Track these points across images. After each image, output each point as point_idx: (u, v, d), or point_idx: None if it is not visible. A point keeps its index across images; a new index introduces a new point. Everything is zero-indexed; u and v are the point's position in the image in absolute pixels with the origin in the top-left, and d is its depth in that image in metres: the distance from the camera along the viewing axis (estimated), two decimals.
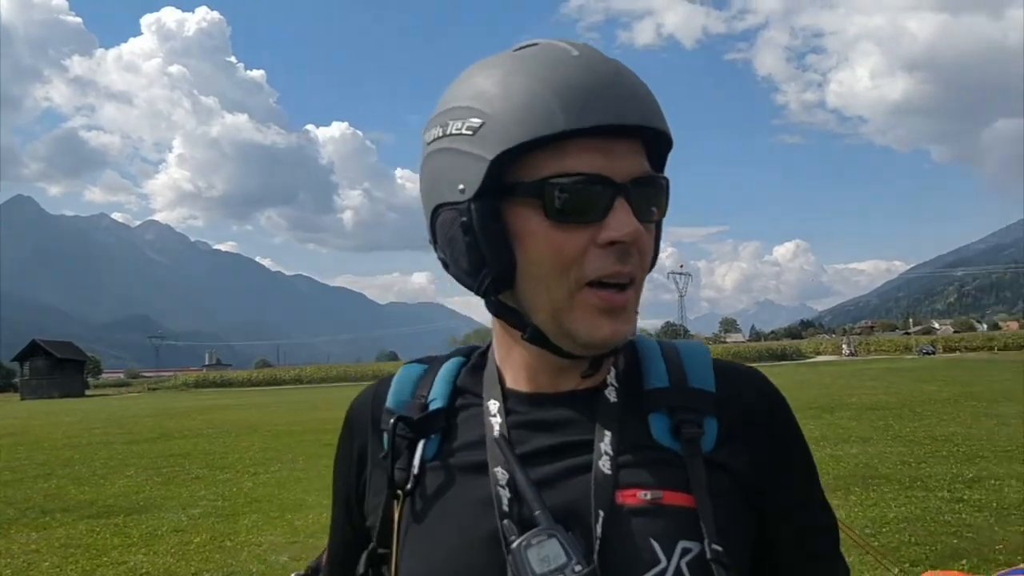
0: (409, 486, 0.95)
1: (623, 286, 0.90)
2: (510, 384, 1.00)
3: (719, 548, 0.86)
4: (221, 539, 8.70)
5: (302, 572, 1.19)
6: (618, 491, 0.89)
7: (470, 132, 0.88)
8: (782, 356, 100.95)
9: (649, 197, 0.91)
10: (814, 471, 1.03)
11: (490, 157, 0.86)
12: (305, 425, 22.77)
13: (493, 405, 0.98)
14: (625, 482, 0.90)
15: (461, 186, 0.89)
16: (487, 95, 0.89)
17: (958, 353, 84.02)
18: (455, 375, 1.05)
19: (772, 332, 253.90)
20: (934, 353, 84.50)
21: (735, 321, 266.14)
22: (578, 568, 0.82)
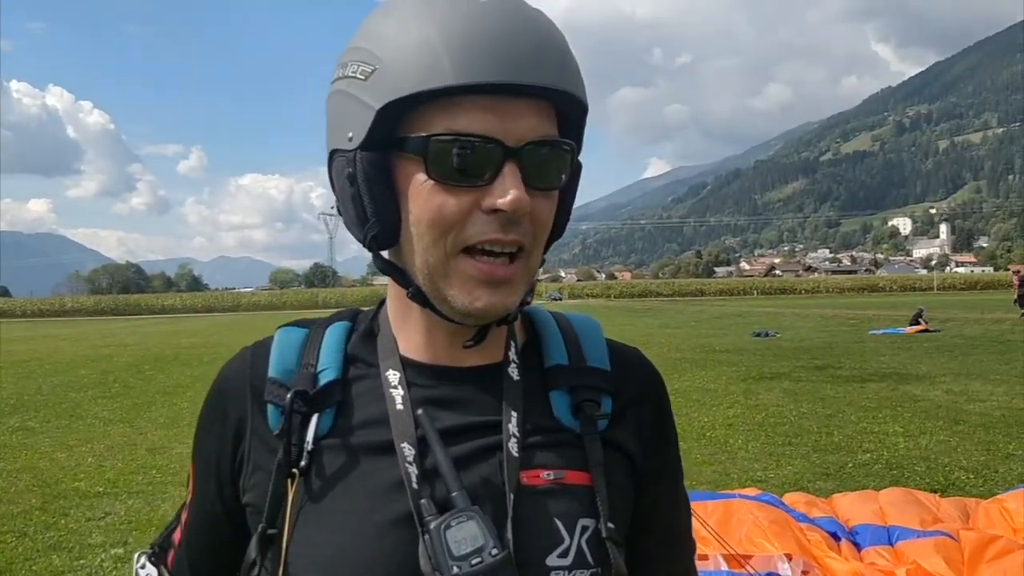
0: (303, 464, 0.89)
1: (511, 255, 0.86)
2: (406, 352, 0.96)
3: (612, 526, 0.89)
4: None
5: (148, 550, 1.05)
6: (523, 471, 0.89)
7: (363, 77, 0.84)
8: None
9: (546, 163, 0.86)
10: (679, 447, 1.08)
11: (377, 106, 0.83)
12: None
13: (393, 376, 0.93)
14: (530, 463, 0.90)
15: (350, 134, 0.86)
16: (384, 38, 0.84)
17: (580, 300, 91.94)
18: (344, 342, 0.98)
19: None
20: (561, 299, 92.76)
21: None
22: (495, 551, 0.81)
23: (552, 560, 0.87)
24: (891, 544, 4.24)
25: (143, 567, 1.02)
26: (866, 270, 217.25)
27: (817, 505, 5.61)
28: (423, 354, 0.95)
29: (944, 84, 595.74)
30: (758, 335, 24.82)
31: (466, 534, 0.81)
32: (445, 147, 0.82)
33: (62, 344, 30.39)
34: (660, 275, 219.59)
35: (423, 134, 0.83)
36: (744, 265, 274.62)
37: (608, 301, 79.14)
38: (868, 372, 15.02)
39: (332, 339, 0.97)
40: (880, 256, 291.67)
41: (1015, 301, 30.61)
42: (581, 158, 0.93)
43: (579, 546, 0.87)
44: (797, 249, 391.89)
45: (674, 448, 1.07)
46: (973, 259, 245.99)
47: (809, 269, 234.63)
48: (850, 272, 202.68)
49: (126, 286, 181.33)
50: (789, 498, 5.78)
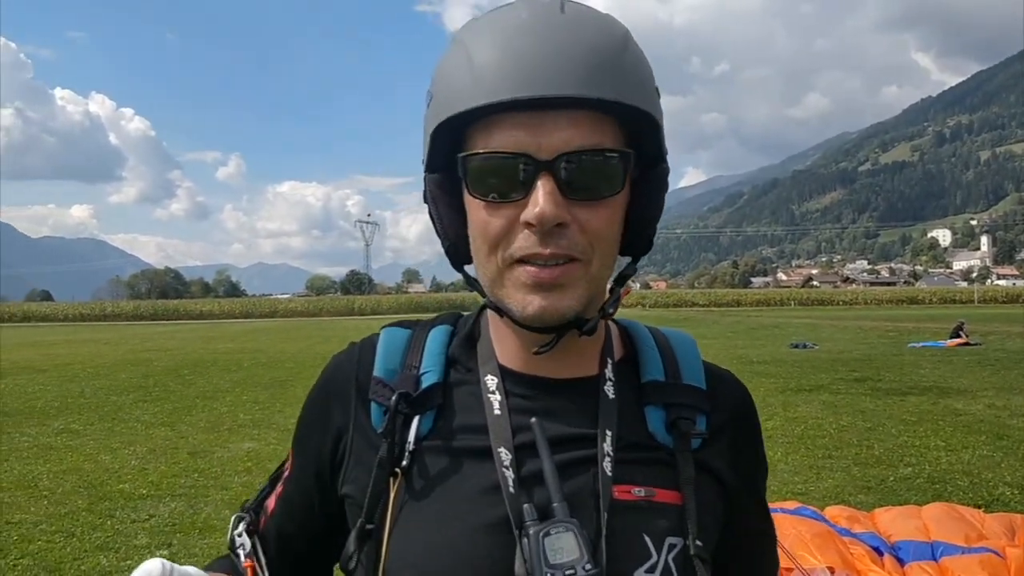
0: (405, 464, 0.93)
1: (560, 262, 0.87)
2: (504, 361, 0.99)
3: (700, 544, 0.91)
4: None
5: (244, 516, 1.10)
6: (614, 486, 0.91)
7: (427, 107, 0.90)
8: (461, 307, 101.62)
9: (587, 173, 0.85)
10: (767, 472, 1.10)
11: (431, 130, 0.88)
12: None
13: (491, 381, 0.96)
14: (621, 478, 0.92)
15: (423, 158, 0.93)
16: (439, 68, 0.90)
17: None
18: (446, 345, 1.02)
19: (452, 284, 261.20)
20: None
21: (418, 272, 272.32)
22: (588, 567, 0.82)
23: (640, 574, 0.88)
24: (935, 560, 4.20)
25: (240, 535, 1.07)
26: (905, 282, 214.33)
27: (859, 520, 5.57)
28: (518, 363, 0.98)
29: (986, 94, 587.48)
30: (796, 346, 24.61)
31: (564, 544, 0.83)
32: (478, 166, 0.86)
33: (103, 348, 30.80)
34: (696, 285, 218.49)
35: (465, 154, 0.87)
36: (781, 275, 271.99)
37: (643, 311, 78.71)
38: (908, 385, 14.84)
39: (434, 342, 1.01)
40: (919, 268, 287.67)
41: None
42: None
43: (666, 563, 0.89)
44: (835, 260, 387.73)
45: (764, 472, 1.09)
46: (1015, 272, 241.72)
47: (847, 280, 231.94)
48: (889, 284, 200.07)
49: (165, 291, 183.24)
50: (830, 512, 5.74)
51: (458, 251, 0.95)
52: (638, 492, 0.92)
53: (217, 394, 15.32)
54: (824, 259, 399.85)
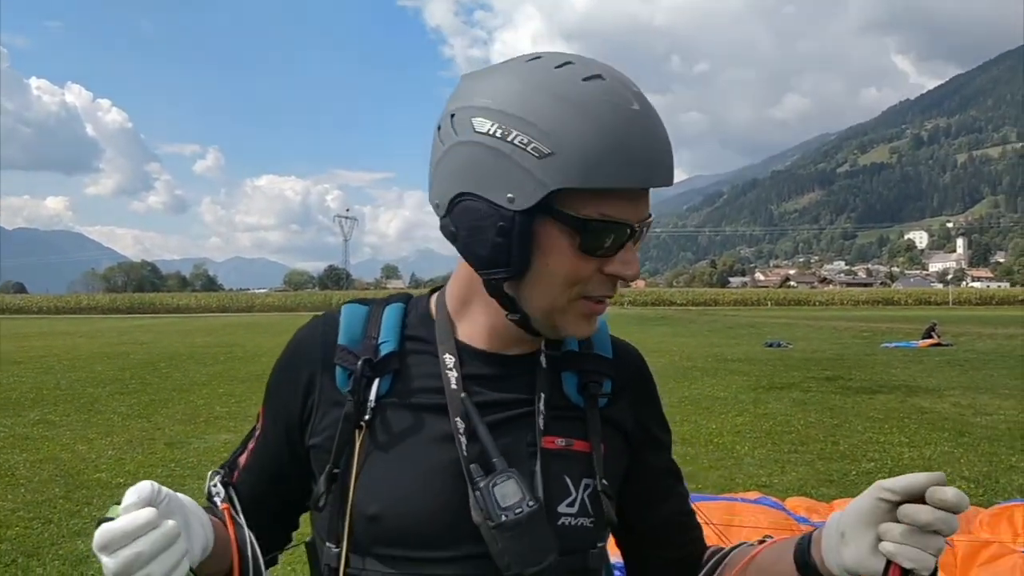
0: (367, 417, 1.10)
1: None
2: (463, 338, 1.17)
3: (606, 483, 1.14)
4: None
5: (219, 471, 1.24)
6: (543, 438, 1.12)
7: (536, 155, 0.99)
8: None
9: (643, 234, 1.09)
10: (666, 422, 1.33)
11: (552, 187, 0.99)
12: None
13: (449, 359, 1.14)
14: (548, 431, 1.13)
15: (511, 195, 1.01)
16: (558, 125, 0.99)
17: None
18: (401, 320, 1.20)
19: (431, 280, 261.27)
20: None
21: (396, 268, 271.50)
22: (531, 503, 1.04)
23: (563, 508, 1.11)
24: None
25: (215, 485, 1.21)
26: (881, 283, 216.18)
27: (818, 511, 5.76)
28: (479, 342, 1.18)
29: (963, 98, 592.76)
30: (770, 345, 24.88)
31: (508, 491, 1.04)
32: (599, 228, 1.03)
33: (79, 341, 30.70)
34: (674, 284, 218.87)
35: (576, 214, 1.02)
36: (759, 275, 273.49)
37: (621, 309, 79.05)
38: (878, 384, 15.11)
39: (390, 317, 1.20)
40: (896, 269, 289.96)
41: None
42: None
43: (582, 499, 1.12)
44: (812, 261, 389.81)
45: (664, 426, 1.32)
46: (989, 274, 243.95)
47: (824, 281, 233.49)
48: (865, 285, 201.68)
49: (141, 285, 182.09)
50: (790, 503, 5.93)
51: (514, 276, 1.07)
52: (560, 443, 1.13)
53: (193, 387, 15.38)
54: (802, 259, 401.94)
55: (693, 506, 1.35)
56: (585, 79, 1.02)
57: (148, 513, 0.88)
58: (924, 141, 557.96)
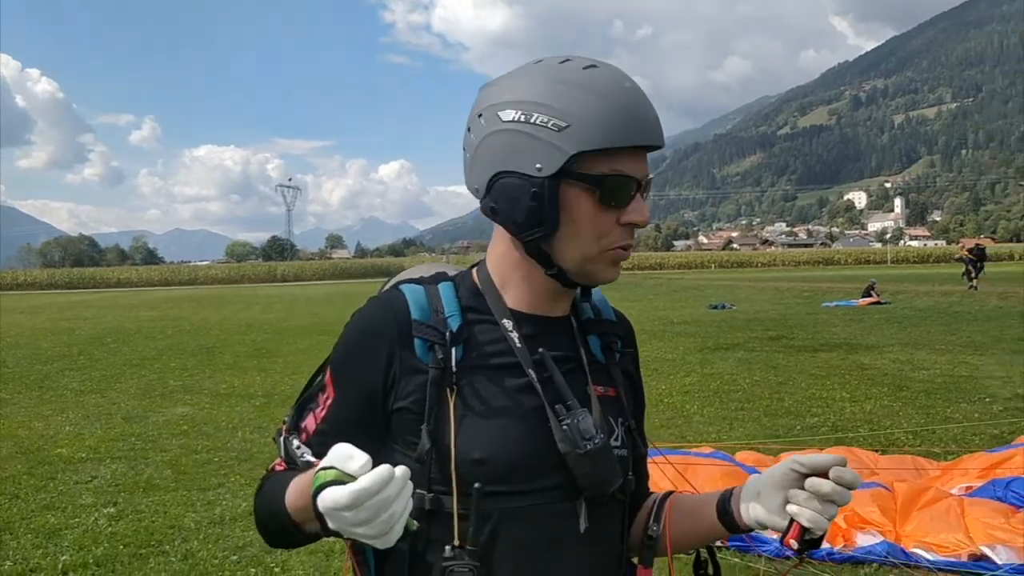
0: (454, 380, 1.27)
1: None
2: (513, 305, 1.36)
3: (632, 422, 1.40)
4: None
5: (296, 435, 1.38)
6: (593, 386, 1.35)
7: (556, 129, 1.21)
8: (386, 273, 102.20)
9: (648, 189, 1.30)
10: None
11: (572, 152, 1.21)
12: None
13: (508, 323, 1.34)
14: (593, 382, 1.35)
15: (539, 165, 1.23)
16: (570, 104, 1.22)
17: None
18: (456, 295, 1.37)
19: (377, 249, 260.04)
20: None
21: (341, 237, 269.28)
22: (602, 435, 1.27)
23: (613, 442, 1.33)
24: None
25: (297, 448, 1.34)
26: (822, 243, 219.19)
27: (765, 463, 6.05)
28: (525, 307, 1.37)
29: (900, 59, 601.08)
30: (715, 307, 25.37)
31: (587, 426, 1.26)
32: (616, 182, 1.24)
33: (19, 317, 30.17)
34: None
35: (596, 172, 1.23)
36: (702, 239, 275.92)
37: None
38: (820, 342, 15.59)
39: (447, 294, 1.37)
40: (835, 230, 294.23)
41: (963, 274, 31.44)
42: None
43: (621, 436, 1.35)
44: (754, 223, 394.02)
45: (639, 370, 1.56)
46: (926, 233, 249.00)
47: (766, 243, 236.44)
48: (806, 246, 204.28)
49: (79, 259, 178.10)
50: (740, 456, 6.22)
51: (550, 235, 1.28)
52: (601, 390, 1.36)
53: (144, 361, 15.35)
54: (744, 222, 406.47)
55: (653, 459, 1.61)
56: (585, 68, 1.25)
57: (387, 468, 1.04)
58: (862, 102, 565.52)
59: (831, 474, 1.21)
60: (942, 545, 4.58)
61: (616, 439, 1.34)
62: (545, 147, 1.23)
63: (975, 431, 7.83)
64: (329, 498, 1.03)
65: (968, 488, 5.33)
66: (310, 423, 1.38)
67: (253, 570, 4.85)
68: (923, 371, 11.75)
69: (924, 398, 9.69)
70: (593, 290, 1.47)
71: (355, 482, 1.02)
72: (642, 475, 1.52)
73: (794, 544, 1.23)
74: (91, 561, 5.01)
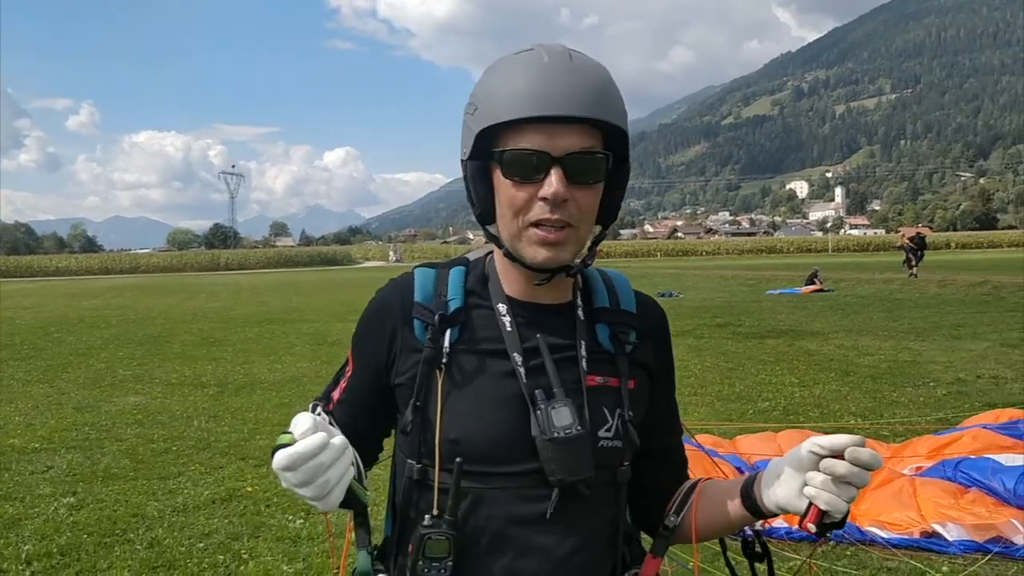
0: (445, 360, 1.34)
1: (560, 227, 1.29)
2: (509, 292, 1.41)
3: (632, 414, 1.38)
4: None
5: (320, 402, 1.50)
6: (588, 376, 1.36)
7: (471, 112, 1.32)
8: (332, 261, 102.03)
9: (583, 166, 1.28)
10: (675, 367, 1.57)
11: (476, 131, 1.29)
12: None
13: (502, 308, 1.39)
14: (590, 371, 1.37)
15: (465, 149, 1.33)
16: (483, 88, 1.31)
17: None
18: (463, 280, 1.43)
19: (322, 237, 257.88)
20: (487, 256, 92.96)
21: (286, 225, 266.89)
22: (579, 427, 1.29)
23: (602, 433, 1.36)
24: None
25: (320, 415, 1.39)
26: (764, 232, 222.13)
27: (722, 445, 6.21)
28: (520, 294, 1.42)
29: (841, 50, 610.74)
30: (662, 295, 25.59)
31: (563, 415, 1.29)
32: (512, 156, 1.28)
33: None
34: None
35: (500, 149, 1.29)
36: (648, 227, 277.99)
37: None
38: (766, 329, 15.90)
39: (455, 278, 1.43)
40: (778, 219, 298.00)
41: (904, 262, 32.13)
42: None
43: (616, 426, 1.37)
44: (699, 212, 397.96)
45: (671, 366, 1.55)
46: (866, 222, 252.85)
47: (710, 231, 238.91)
48: (749, 234, 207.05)
49: (15, 247, 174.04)
50: (698, 439, 6.35)
51: (484, 215, 1.36)
52: (599, 380, 1.38)
53: (91, 351, 15.12)
54: (689, 211, 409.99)
55: None
56: (516, 53, 1.33)
57: (321, 437, 1.15)
58: (804, 93, 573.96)
59: (847, 455, 1.19)
60: (895, 523, 4.75)
61: (609, 430, 1.36)
62: (466, 131, 1.33)
63: (921, 414, 8.09)
64: (274, 461, 1.15)
65: (918, 469, 5.53)
66: (336, 393, 1.51)
67: (221, 556, 4.86)
68: (868, 356, 12.06)
69: (871, 383, 9.95)
70: (616, 278, 1.52)
71: (291, 446, 1.14)
72: (669, 464, 1.55)
73: (812, 528, 1.23)
74: (55, 550, 4.97)
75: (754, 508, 1.35)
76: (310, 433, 1.16)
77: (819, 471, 1.21)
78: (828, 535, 1.26)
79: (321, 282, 46.80)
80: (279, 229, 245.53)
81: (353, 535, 1.41)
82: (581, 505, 1.34)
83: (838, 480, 1.20)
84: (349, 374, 1.50)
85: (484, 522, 1.33)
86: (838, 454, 1.20)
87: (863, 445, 1.19)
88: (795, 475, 1.26)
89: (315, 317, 21.95)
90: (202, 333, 18.23)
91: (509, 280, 1.43)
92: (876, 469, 1.21)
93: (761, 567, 1.46)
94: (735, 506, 1.38)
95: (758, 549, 1.46)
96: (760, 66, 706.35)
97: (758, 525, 1.44)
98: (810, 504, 1.22)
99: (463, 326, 1.38)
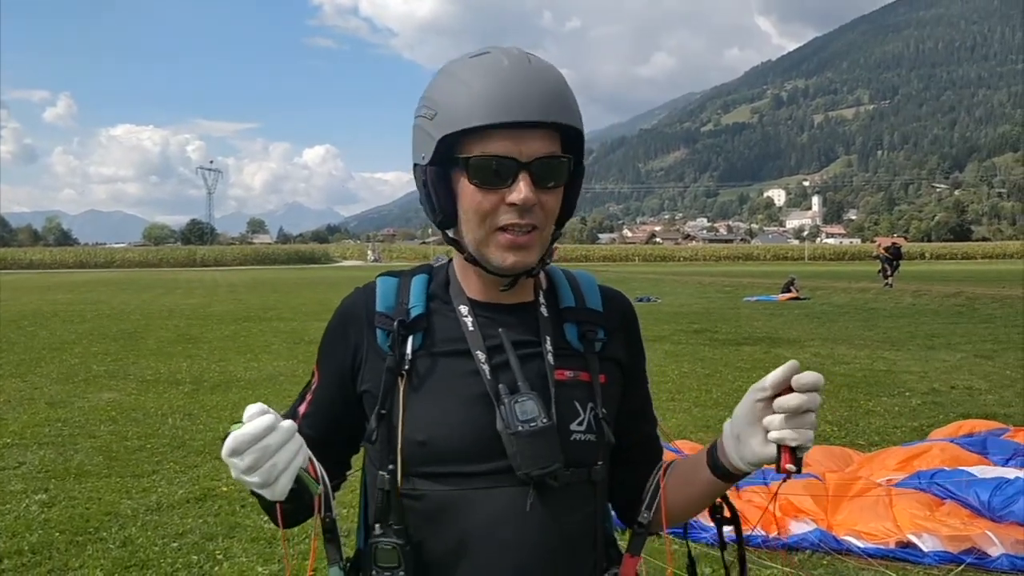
0: (406, 367, 1.34)
1: (528, 230, 1.30)
2: (470, 294, 1.42)
3: (605, 410, 1.38)
4: None
5: (283, 413, 1.38)
6: (556, 371, 1.36)
7: (429, 118, 1.30)
8: (310, 259, 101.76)
9: (549, 170, 1.30)
10: (646, 358, 1.55)
11: (438, 137, 1.28)
12: None
13: (464, 309, 1.40)
14: (558, 366, 1.37)
15: (423, 155, 1.32)
16: (442, 92, 1.30)
17: None
18: (426, 286, 1.44)
19: (300, 235, 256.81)
20: (449, 262, 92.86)
21: (263, 222, 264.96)
22: (544, 420, 1.28)
23: (574, 427, 1.35)
24: (765, 484, 4.79)
25: None
26: (741, 239, 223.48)
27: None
28: (482, 295, 1.42)
29: (821, 60, 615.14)
30: (640, 300, 25.67)
31: (528, 408, 1.29)
32: (480, 163, 1.28)
33: None
34: None
35: (466, 155, 1.28)
36: (627, 232, 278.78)
37: None
38: (743, 336, 15.97)
39: (417, 285, 1.44)
40: (755, 226, 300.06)
41: (879, 272, 32.42)
42: None
43: (588, 419, 1.37)
44: (677, 218, 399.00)
45: (642, 358, 1.55)
46: (843, 231, 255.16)
47: (688, 237, 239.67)
48: (726, 241, 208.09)
49: None
50: (676, 445, 6.37)
51: (445, 221, 1.35)
52: (568, 375, 1.38)
53: (64, 346, 14.97)
54: (667, 216, 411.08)
55: None
56: (472, 56, 1.32)
57: (268, 418, 1.14)
58: (784, 102, 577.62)
59: (793, 383, 1.19)
60: (871, 533, 4.78)
61: (581, 423, 1.36)
62: (424, 136, 1.31)
63: (896, 424, 8.15)
64: (223, 448, 1.13)
65: (890, 480, 5.56)
66: (302, 407, 1.49)
67: (195, 557, 4.82)
68: (843, 365, 12.14)
69: (846, 391, 10.02)
70: (581, 277, 1.53)
71: (239, 428, 1.13)
72: (647, 456, 1.52)
73: (791, 468, 1.20)
74: (26, 548, 4.91)
75: (724, 473, 1.33)
76: (258, 416, 1.14)
77: (775, 413, 1.21)
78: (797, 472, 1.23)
79: (299, 280, 46.62)
80: (257, 226, 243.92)
81: (319, 542, 1.37)
82: (557, 502, 1.33)
83: (795, 413, 1.19)
84: (315, 386, 1.49)
85: (458, 523, 1.32)
86: (783, 389, 1.21)
87: (799, 370, 1.21)
88: (752, 429, 1.25)
89: (292, 315, 21.83)
90: (178, 330, 18.08)
91: (469, 283, 1.43)
92: (822, 387, 1.21)
93: (732, 556, 1.47)
94: (704, 478, 1.36)
95: (727, 514, 1.44)
96: (741, 74, 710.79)
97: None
98: (779, 447, 1.21)
99: (426, 332, 1.39)
